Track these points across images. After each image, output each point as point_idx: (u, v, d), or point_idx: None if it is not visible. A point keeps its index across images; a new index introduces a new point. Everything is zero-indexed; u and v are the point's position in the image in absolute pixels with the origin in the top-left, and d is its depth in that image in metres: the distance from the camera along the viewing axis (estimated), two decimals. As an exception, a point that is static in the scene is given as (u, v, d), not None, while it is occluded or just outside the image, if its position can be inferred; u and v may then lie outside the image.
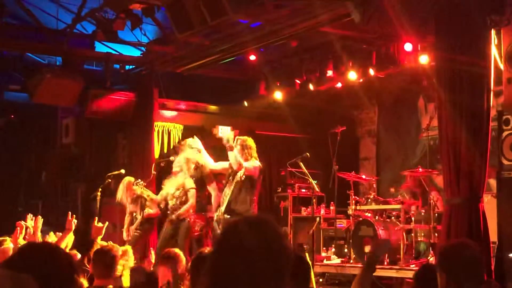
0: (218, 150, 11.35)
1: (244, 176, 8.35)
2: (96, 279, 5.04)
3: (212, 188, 9.14)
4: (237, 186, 8.44)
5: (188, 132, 11.59)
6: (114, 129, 12.34)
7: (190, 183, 9.27)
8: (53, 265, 2.34)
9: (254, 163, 8.57)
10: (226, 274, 2.13)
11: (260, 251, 2.13)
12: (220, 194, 9.01)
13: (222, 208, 8.54)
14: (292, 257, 2.22)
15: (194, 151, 9.33)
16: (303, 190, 11.51)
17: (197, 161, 9.21)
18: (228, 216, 8.41)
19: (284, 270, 2.17)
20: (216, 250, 2.21)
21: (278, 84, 11.60)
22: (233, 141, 8.67)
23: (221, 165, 8.88)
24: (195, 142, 8.80)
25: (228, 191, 8.52)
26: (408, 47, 9.25)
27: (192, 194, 9.18)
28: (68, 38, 10.62)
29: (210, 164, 9.23)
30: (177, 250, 5.60)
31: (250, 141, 8.76)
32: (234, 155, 8.53)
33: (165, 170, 10.75)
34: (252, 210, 8.49)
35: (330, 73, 10.70)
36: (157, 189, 10.24)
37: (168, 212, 9.34)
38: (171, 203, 9.30)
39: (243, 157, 8.63)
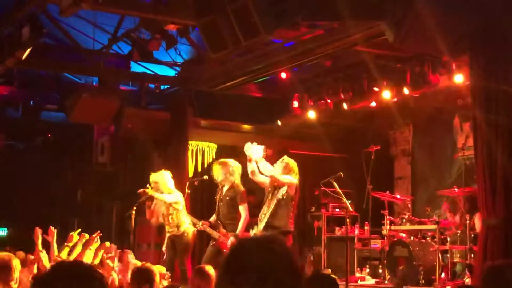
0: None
1: (286, 194, 8.39)
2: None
3: (243, 209, 9.15)
4: (277, 203, 8.48)
5: (221, 151, 11.65)
6: (149, 147, 12.44)
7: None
8: (85, 283, 2.38)
9: (293, 179, 8.61)
10: None
11: (268, 270, 2.09)
12: (248, 217, 9.09)
13: (261, 226, 8.55)
14: (302, 276, 2.19)
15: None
16: (337, 210, 11.46)
17: (233, 180, 9.24)
18: (267, 234, 8.44)
19: None
20: (223, 269, 2.17)
21: (312, 103, 11.61)
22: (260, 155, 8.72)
23: (263, 178, 8.86)
24: (249, 147, 8.76)
25: (266, 209, 8.54)
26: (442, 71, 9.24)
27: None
28: (104, 58, 10.79)
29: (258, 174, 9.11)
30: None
31: (293, 163, 8.82)
32: (251, 167, 8.57)
33: (199, 189, 10.83)
34: (289, 227, 8.50)
35: (364, 92, 10.67)
36: (191, 207, 10.29)
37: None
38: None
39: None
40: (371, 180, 10.14)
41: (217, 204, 9.30)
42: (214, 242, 9.18)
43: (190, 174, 11.55)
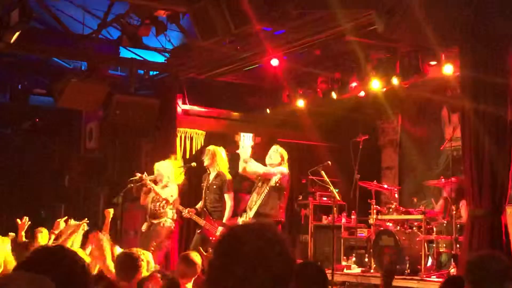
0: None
1: (279, 182, 8.41)
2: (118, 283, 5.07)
3: (229, 198, 9.16)
4: (269, 191, 8.49)
5: (210, 139, 11.62)
6: (138, 134, 12.41)
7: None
8: (68, 268, 2.37)
9: (285, 170, 8.65)
10: (224, 280, 2.10)
11: (260, 257, 2.09)
12: (233, 206, 9.10)
13: (251, 213, 8.56)
14: (294, 263, 2.19)
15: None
16: (324, 199, 11.49)
17: (219, 168, 9.25)
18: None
19: (286, 276, 2.13)
20: (214, 255, 2.17)
21: (301, 92, 11.60)
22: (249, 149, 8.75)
23: (255, 167, 8.87)
24: (243, 137, 8.78)
25: (256, 197, 8.54)
26: (432, 61, 9.24)
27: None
28: (93, 43, 10.71)
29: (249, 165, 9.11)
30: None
31: (285, 153, 8.86)
32: (244, 155, 8.63)
33: (186, 176, 10.80)
34: (279, 216, 8.52)
35: (353, 81, 10.67)
36: (180, 193, 10.27)
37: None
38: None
39: (279, 164, 8.74)
40: (359, 169, 10.16)
41: (203, 191, 9.29)
42: (200, 230, 9.18)
43: (179, 161, 11.50)
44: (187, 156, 11.68)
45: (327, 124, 12.65)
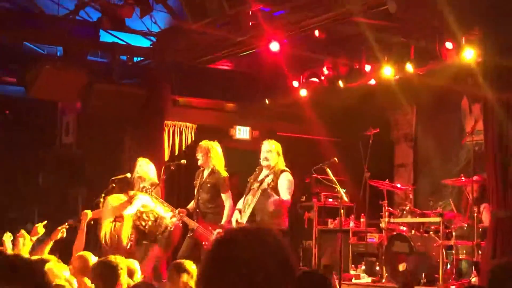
0: (236, 154, 11.38)
1: (273, 183, 8.35)
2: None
3: (227, 197, 9.15)
4: (265, 194, 8.43)
5: (202, 132, 11.62)
6: (120, 128, 12.36)
7: None
8: (24, 279, 2.38)
9: (290, 186, 8.65)
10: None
11: (258, 263, 2.10)
12: (234, 205, 9.05)
13: (244, 218, 8.53)
14: (296, 272, 2.20)
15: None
16: (330, 200, 11.49)
17: (215, 164, 9.25)
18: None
19: (286, 285, 2.13)
20: (208, 261, 2.17)
21: (304, 81, 11.59)
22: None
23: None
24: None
25: (251, 199, 8.51)
26: (449, 45, 9.22)
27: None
28: (70, 26, 10.69)
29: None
30: None
31: (279, 147, 8.82)
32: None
33: (175, 174, 10.80)
34: (282, 223, 8.49)
35: (362, 68, 10.67)
36: (166, 195, 10.27)
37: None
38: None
39: (278, 165, 8.67)
40: (369, 167, 10.16)
41: (196, 190, 9.29)
42: (191, 233, 9.16)
43: (166, 158, 11.52)
44: (176, 152, 11.68)
45: (333, 116, 12.64)
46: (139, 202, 9.08)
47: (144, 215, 9.08)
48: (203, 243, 8.92)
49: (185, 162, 9.83)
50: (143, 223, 9.08)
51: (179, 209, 9.21)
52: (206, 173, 9.29)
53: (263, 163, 8.66)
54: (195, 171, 9.60)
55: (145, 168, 9.54)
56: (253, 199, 8.44)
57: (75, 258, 6.22)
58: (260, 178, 8.53)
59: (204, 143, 9.36)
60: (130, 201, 9.03)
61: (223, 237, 2.22)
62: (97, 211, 9.05)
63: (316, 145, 12.63)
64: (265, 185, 8.27)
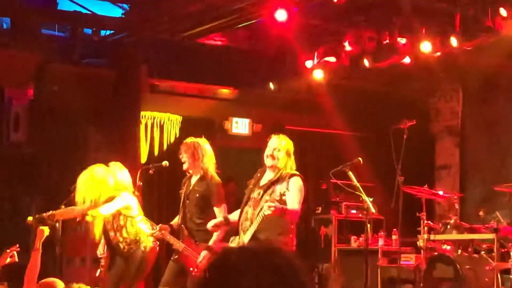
0: (232, 154, 11.36)
1: (284, 195, 8.27)
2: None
3: (220, 211, 9.10)
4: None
5: (189, 126, 11.60)
6: (84, 121, 12.33)
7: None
8: None
9: (301, 191, 8.55)
10: None
11: None
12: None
13: (245, 237, 8.48)
14: None
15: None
16: (353, 212, 11.49)
17: (207, 168, 9.20)
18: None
19: None
20: None
21: (319, 59, 11.56)
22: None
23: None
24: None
25: (251, 212, 8.46)
26: (503, 13, 9.18)
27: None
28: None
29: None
30: None
31: (292, 146, 8.73)
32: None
33: (155, 180, 10.77)
34: (289, 243, 8.44)
35: (394, 43, 10.63)
36: (144, 207, 10.22)
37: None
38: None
39: (286, 167, 8.60)
40: (403, 169, 10.09)
41: (182, 201, 9.26)
42: (176, 256, 9.13)
43: (143, 159, 11.50)
44: (156, 152, 11.65)
45: (356, 104, 12.64)
46: (120, 201, 9.06)
47: (121, 220, 9.07)
48: (191, 269, 8.90)
49: (167, 164, 9.78)
50: (117, 234, 9.07)
51: (160, 225, 9.16)
52: (194, 179, 9.24)
53: (268, 162, 8.55)
54: (180, 177, 9.55)
55: (119, 176, 9.50)
56: (255, 212, 8.37)
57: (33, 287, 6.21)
58: (262, 183, 8.46)
59: (190, 140, 9.30)
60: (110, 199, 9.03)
61: (220, 262, 2.22)
62: (65, 210, 9.08)
63: (334, 142, 12.64)
64: (276, 195, 8.19)
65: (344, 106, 12.48)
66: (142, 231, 9.13)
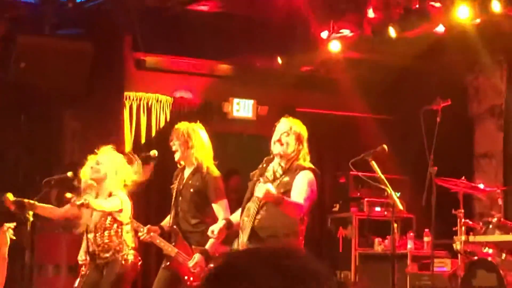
0: (233, 141, 11.31)
1: (288, 187, 8.18)
2: None
3: (220, 208, 9.04)
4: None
5: (181, 109, 11.57)
6: (58, 104, 12.33)
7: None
8: None
9: (309, 174, 8.44)
10: None
11: None
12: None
13: (244, 237, 8.41)
14: None
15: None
16: (377, 209, 11.52)
17: (201, 159, 9.13)
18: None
19: None
20: None
21: (335, 28, 11.51)
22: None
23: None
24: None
25: (254, 208, 8.38)
26: None
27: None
28: None
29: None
30: None
31: (305, 131, 8.62)
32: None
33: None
34: (297, 241, 8.37)
35: (425, 8, 10.57)
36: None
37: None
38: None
39: (298, 158, 8.50)
40: (436, 158, 10.04)
41: (174, 198, 9.22)
42: (168, 263, 9.11)
43: (128, 148, 11.44)
44: (143, 140, 11.63)
45: (380, 82, 12.58)
46: (117, 200, 9.02)
47: (107, 221, 9.03)
48: (185, 277, 8.86)
49: (156, 154, 9.75)
50: (97, 236, 9.03)
51: (148, 226, 9.13)
52: (187, 172, 9.21)
53: (275, 148, 8.47)
54: (171, 169, 9.53)
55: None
56: (255, 207, 8.30)
57: None
58: (268, 175, 8.37)
59: (183, 126, 9.26)
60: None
61: (224, 267, 2.22)
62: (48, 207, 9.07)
63: (354, 127, 12.66)
64: (281, 184, 8.12)
65: (365, 84, 12.46)
66: (126, 241, 9.10)
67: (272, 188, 7.60)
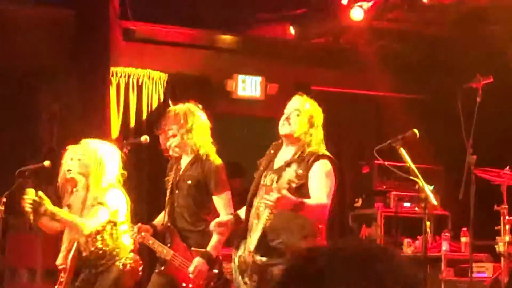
0: (237, 125, 11.32)
1: (298, 180, 8.13)
2: None
3: (222, 203, 9.05)
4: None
5: (177, 88, 11.59)
6: (33, 81, 12.35)
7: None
8: None
9: (327, 165, 8.42)
10: None
11: None
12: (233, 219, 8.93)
13: (251, 243, 8.41)
14: None
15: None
16: (406, 205, 11.56)
17: (200, 145, 9.14)
18: (264, 259, 8.28)
19: None
20: None
21: (358, -8, 11.54)
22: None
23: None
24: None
25: (264, 208, 8.37)
26: None
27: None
28: None
29: None
30: None
31: (319, 113, 8.59)
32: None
33: (133, 162, 10.73)
34: (315, 242, 8.36)
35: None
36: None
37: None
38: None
39: (311, 144, 8.48)
40: (476, 145, 10.02)
41: (169, 191, 9.23)
42: (163, 267, 9.11)
43: (115, 133, 11.48)
44: (131, 124, 11.64)
45: (409, 56, 12.60)
46: (107, 210, 9.03)
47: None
48: (183, 284, 8.85)
49: (148, 140, 9.76)
50: (89, 240, 9.05)
51: (139, 224, 9.13)
52: (185, 161, 9.22)
53: (282, 129, 8.44)
54: (166, 158, 9.54)
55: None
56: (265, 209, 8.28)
57: None
58: (277, 164, 8.36)
59: (180, 109, 9.27)
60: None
61: (303, 268, 2.22)
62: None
63: (379, 108, 12.69)
64: (284, 181, 8.06)
65: (392, 59, 12.49)
66: (123, 244, 9.11)
67: (287, 194, 7.53)
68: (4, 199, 9.14)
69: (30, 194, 8.57)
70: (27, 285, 11.43)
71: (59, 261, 9.36)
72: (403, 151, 8.67)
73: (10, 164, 10.17)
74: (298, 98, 8.35)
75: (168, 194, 9.23)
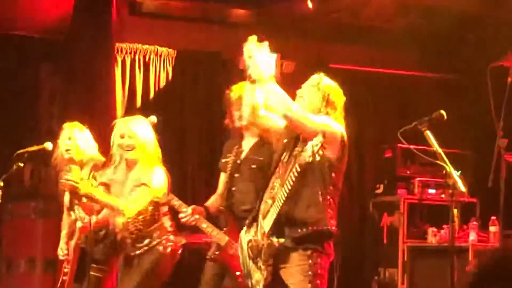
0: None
1: (320, 156, 8.04)
2: None
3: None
4: (300, 174, 8.19)
5: (187, 64, 11.54)
6: (32, 56, 12.29)
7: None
8: None
9: (335, 126, 8.34)
10: None
11: None
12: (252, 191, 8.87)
13: (265, 224, 8.34)
14: None
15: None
16: (432, 191, 11.51)
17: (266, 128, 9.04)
18: (279, 240, 8.19)
19: None
20: None
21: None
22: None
23: (272, 121, 8.62)
24: (252, 52, 8.45)
25: (279, 186, 8.32)
26: None
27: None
28: None
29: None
30: None
31: (339, 93, 8.51)
32: (252, 96, 8.25)
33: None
34: (326, 223, 8.28)
35: None
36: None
37: None
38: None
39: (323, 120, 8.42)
40: (507, 128, 9.92)
41: (228, 174, 9.15)
42: (217, 252, 9.06)
43: (120, 113, 11.44)
44: (138, 103, 11.66)
45: (436, 32, 12.52)
46: (144, 192, 8.99)
47: None
48: (237, 273, 8.77)
49: (155, 121, 9.67)
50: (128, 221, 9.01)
51: (193, 206, 9.04)
52: (249, 143, 9.14)
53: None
54: (176, 139, 9.47)
55: (80, 140, 9.44)
56: (283, 186, 8.23)
57: None
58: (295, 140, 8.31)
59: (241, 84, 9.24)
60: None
61: (494, 267, 2.36)
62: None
63: (403, 88, 12.65)
64: (305, 157, 7.99)
65: (417, 35, 12.47)
66: (164, 225, 9.07)
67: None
68: (2, 183, 9.08)
69: (75, 174, 8.56)
70: (25, 276, 11.34)
71: (60, 250, 9.32)
72: (429, 134, 8.55)
73: (8, 146, 10.12)
74: (318, 76, 8.30)
75: (225, 176, 9.20)
